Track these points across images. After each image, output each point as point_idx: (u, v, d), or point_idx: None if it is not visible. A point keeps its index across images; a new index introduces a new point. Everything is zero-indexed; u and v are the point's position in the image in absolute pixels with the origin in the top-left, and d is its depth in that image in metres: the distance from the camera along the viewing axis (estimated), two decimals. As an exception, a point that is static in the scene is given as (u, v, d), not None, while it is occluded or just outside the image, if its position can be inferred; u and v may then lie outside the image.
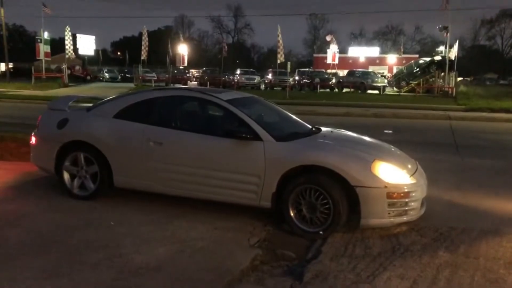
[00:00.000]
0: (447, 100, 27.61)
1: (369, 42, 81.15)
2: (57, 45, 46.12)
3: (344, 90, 35.62)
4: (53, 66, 44.60)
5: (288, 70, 33.38)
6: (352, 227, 4.43)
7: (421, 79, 32.73)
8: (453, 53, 31.90)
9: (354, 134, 5.71)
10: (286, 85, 30.28)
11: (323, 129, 5.59)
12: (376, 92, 33.38)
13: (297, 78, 39.69)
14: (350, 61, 66.57)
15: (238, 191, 4.68)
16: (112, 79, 44.97)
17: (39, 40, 39.10)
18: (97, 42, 49.43)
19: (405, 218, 4.41)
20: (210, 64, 64.48)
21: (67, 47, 39.66)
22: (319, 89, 34.53)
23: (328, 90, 35.76)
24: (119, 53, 77.59)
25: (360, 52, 69.31)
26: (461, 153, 9.58)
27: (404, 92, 33.86)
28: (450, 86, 31.28)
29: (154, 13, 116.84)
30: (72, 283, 3.34)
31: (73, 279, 3.39)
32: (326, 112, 19.79)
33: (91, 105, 5.76)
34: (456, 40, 32.27)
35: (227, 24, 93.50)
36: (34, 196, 5.46)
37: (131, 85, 36.81)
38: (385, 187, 4.27)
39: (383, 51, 73.88)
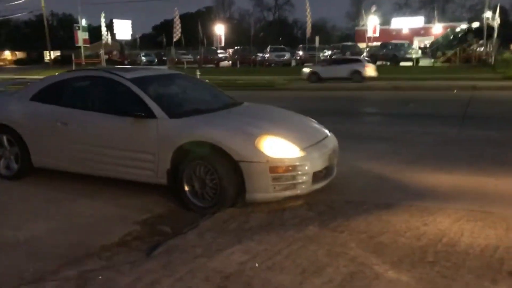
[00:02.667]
0: (484, 69, 26.16)
1: (415, 12, 77.42)
2: (98, 31, 47.55)
3: (378, 63, 34.47)
4: (91, 52, 46.00)
5: (316, 45, 32.77)
6: (240, 202, 4.35)
7: (458, 49, 30.97)
8: (496, 19, 29.92)
9: (269, 108, 5.71)
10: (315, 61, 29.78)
11: (244, 104, 5.53)
12: (409, 64, 32.06)
13: (329, 52, 38.86)
14: (394, 33, 63.94)
15: (137, 169, 4.73)
16: (149, 63, 45.83)
17: (77, 28, 40.37)
18: (139, 26, 50.67)
19: (289, 192, 4.30)
20: (250, 43, 64.24)
21: (103, 32, 40.87)
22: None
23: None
24: (160, 36, 79.02)
25: (404, 23, 66.48)
26: (464, 125, 9.15)
27: (440, 62, 32.27)
28: (489, 54, 29.51)
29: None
30: None
31: None
32: (345, 87, 19.38)
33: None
34: (497, 6, 30.05)
35: (268, 2, 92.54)
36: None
37: (164, 67, 37.45)
38: (267, 161, 4.17)
39: (429, 21, 70.40)
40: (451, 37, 33.30)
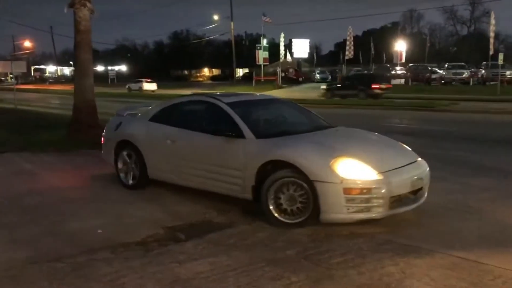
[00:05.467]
0: None
1: None
2: (277, 50, 51.03)
3: None
4: (271, 69, 49.52)
5: (500, 62, 29.41)
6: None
7: None
8: None
9: (359, 132, 5.99)
10: (498, 80, 26.85)
11: (337, 127, 5.96)
12: None
13: (520, 70, 34.40)
14: None
15: (226, 184, 5.27)
16: (323, 80, 47.24)
17: (258, 47, 44.12)
18: (325, 43, 52.38)
19: (363, 215, 4.39)
20: (440, 59, 60.50)
21: (281, 51, 43.72)
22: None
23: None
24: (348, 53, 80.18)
25: None
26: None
27: None
28: None
29: (380, 10, 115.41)
30: None
31: None
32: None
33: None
34: None
35: (462, 14, 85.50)
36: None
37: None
38: (341, 182, 4.33)
39: None
40: None
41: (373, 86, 21.67)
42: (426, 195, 4.97)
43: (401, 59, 46.78)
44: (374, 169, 4.47)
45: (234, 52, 48.92)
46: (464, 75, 34.23)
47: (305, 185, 4.48)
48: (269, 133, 5.28)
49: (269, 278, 3.51)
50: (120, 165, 6.62)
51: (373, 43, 56.79)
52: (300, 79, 47.45)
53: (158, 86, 45.36)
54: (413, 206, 4.72)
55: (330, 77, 48.16)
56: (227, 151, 5.24)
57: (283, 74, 44.29)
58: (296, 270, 3.65)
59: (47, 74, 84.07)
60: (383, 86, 22.58)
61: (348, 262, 3.78)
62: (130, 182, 6.48)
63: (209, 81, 71.41)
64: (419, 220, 4.84)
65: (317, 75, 48.76)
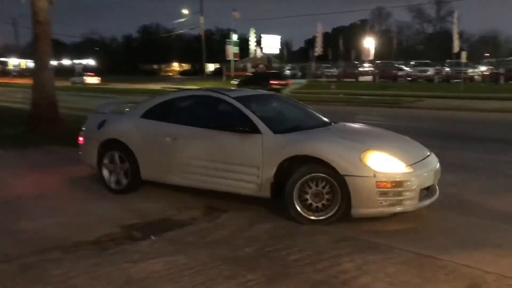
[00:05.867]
0: None
1: None
2: (248, 45, 50.97)
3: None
4: (241, 65, 49.35)
5: (463, 60, 30.17)
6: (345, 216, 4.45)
7: None
8: None
9: (367, 127, 6.05)
10: (461, 77, 27.64)
11: (340, 123, 5.85)
12: None
13: (483, 68, 35.41)
14: None
15: (240, 182, 4.97)
16: (293, 76, 47.26)
17: (228, 43, 43.95)
18: (296, 40, 52.67)
19: (395, 208, 4.38)
20: (407, 56, 61.46)
21: (251, 47, 43.62)
22: (506, 80, 30.14)
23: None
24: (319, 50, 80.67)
25: None
26: None
27: None
28: None
29: (350, 7, 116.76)
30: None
31: None
32: (475, 107, 17.58)
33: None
34: None
35: (429, 13, 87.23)
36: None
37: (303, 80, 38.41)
38: (374, 175, 4.29)
39: None
40: None
41: (271, 82, 25.12)
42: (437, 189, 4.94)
43: (369, 56, 47.42)
44: (402, 162, 4.48)
45: (204, 47, 48.45)
46: (429, 73, 34.97)
47: (333, 180, 4.40)
48: (284, 128, 5.06)
49: (225, 277, 3.45)
50: (105, 168, 5.96)
51: (342, 40, 57.34)
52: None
53: (124, 81, 46.12)
54: (433, 198, 4.74)
55: (300, 74, 48.29)
56: (241, 147, 4.96)
57: (253, 70, 44.14)
58: (253, 268, 3.60)
59: (10, 67, 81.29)
60: (282, 82, 26.04)
61: (305, 259, 3.74)
62: (115, 185, 5.87)
63: (179, 76, 70.66)
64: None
65: (287, 72, 48.78)
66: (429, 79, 34.69)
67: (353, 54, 57.33)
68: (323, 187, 4.47)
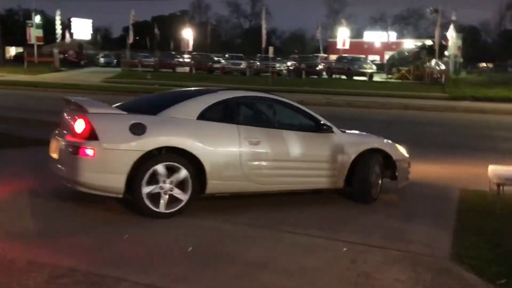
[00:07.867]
0: (434, 87, 25.77)
1: (388, 27, 77.46)
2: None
3: (334, 76, 33.94)
4: (48, 50, 44.51)
5: (270, 55, 32.05)
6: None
7: (411, 66, 30.58)
8: (451, 37, 29.70)
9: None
10: (269, 71, 29.23)
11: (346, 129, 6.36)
12: (364, 78, 31.53)
13: (289, 63, 38.25)
14: (366, 46, 64.16)
15: (325, 178, 5.43)
16: (107, 64, 44.51)
17: (29, 24, 38.99)
18: (115, 26, 49.41)
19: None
20: (226, 49, 63.10)
21: (57, 31, 39.46)
22: (307, 75, 33.03)
23: (316, 76, 34.08)
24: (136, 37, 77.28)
25: (376, 37, 66.62)
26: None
27: (395, 78, 31.86)
28: (443, 73, 29.19)
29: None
30: None
31: None
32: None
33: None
34: (451, 24, 29.81)
35: (245, 9, 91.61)
36: None
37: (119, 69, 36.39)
38: (408, 158, 6.05)
39: (401, 36, 70.58)
40: (405, 54, 32.94)
41: None
42: None
43: (188, 47, 47.43)
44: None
45: (1, 28, 42.27)
46: (241, 66, 36.22)
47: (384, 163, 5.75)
48: (339, 129, 5.69)
49: None
50: (148, 186, 4.53)
51: (160, 30, 56.15)
52: (82, 62, 43.57)
53: None
54: None
55: (115, 62, 45.72)
56: (324, 146, 5.40)
57: (61, 56, 39.99)
58: None
59: None
60: None
61: None
62: (166, 208, 4.60)
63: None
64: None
65: (101, 59, 45.66)
66: (242, 72, 35.94)
67: (172, 44, 56.74)
68: (384, 169, 5.79)
